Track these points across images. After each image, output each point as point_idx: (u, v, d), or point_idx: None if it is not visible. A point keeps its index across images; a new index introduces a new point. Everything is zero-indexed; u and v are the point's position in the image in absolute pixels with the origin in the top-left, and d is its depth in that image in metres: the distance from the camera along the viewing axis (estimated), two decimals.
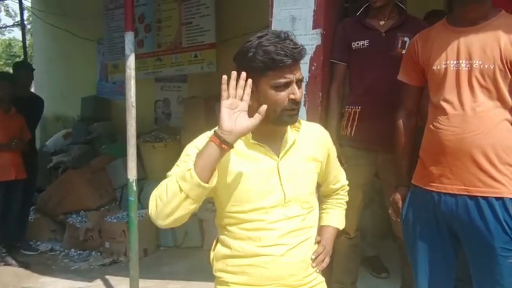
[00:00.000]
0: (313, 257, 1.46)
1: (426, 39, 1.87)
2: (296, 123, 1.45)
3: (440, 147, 1.76)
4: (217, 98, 5.23)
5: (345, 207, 1.70)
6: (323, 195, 1.68)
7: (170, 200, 1.25)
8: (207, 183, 1.24)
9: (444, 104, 1.76)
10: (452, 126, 1.73)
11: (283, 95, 1.33)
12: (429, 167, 1.81)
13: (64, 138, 6.60)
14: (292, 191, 1.41)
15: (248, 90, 1.26)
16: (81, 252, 4.48)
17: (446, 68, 1.77)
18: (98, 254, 4.40)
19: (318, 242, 1.51)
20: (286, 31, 1.37)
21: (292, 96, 1.33)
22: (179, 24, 5.24)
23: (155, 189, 1.32)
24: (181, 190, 1.23)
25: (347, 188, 1.70)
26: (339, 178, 1.65)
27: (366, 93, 2.44)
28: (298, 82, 1.35)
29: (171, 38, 5.36)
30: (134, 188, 2.86)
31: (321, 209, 1.64)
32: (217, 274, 1.47)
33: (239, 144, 1.38)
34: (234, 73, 1.25)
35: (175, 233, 4.49)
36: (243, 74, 1.25)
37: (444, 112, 1.76)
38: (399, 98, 2.15)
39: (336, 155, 1.60)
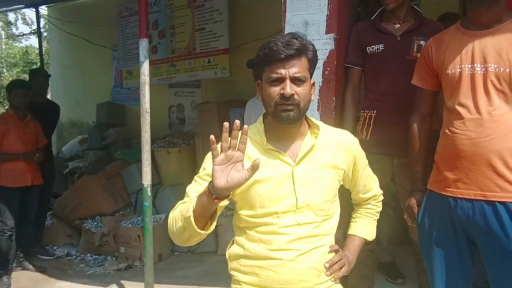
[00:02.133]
0: (327, 265, 1.45)
1: (440, 43, 1.86)
2: (315, 129, 1.46)
3: (455, 152, 1.74)
4: (230, 103, 5.23)
5: (377, 217, 1.67)
6: (354, 203, 1.68)
7: (180, 233, 1.33)
8: (206, 229, 1.30)
9: (459, 108, 1.74)
10: (467, 131, 1.71)
11: (275, 90, 1.37)
12: (445, 171, 1.79)
13: (79, 144, 6.68)
14: (305, 198, 1.40)
15: (244, 138, 1.22)
16: (96, 257, 4.53)
17: (460, 72, 1.75)
18: (114, 258, 4.44)
19: (334, 251, 1.49)
20: (299, 32, 1.40)
21: (281, 91, 1.35)
22: (192, 30, 5.29)
23: (172, 210, 1.40)
24: (185, 229, 1.30)
25: (381, 198, 1.67)
26: (370, 187, 1.62)
27: (382, 97, 2.42)
28: (295, 79, 1.36)
29: (184, 43, 5.40)
30: (149, 193, 2.88)
31: (351, 217, 1.65)
32: (231, 273, 1.51)
33: (254, 150, 1.41)
34: (226, 124, 1.20)
35: None
36: (237, 122, 1.21)
37: (459, 116, 1.74)
38: (412, 101, 2.14)
39: (365, 163, 1.58)
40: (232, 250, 1.50)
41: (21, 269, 4.19)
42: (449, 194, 1.78)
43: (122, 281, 3.81)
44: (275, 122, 1.42)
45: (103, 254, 4.53)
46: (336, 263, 1.47)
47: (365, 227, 1.64)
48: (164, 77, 5.60)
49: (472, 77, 1.72)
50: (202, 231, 1.28)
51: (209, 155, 1.45)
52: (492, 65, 1.68)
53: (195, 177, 1.45)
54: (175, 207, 1.40)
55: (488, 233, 1.71)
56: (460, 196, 1.75)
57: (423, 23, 2.37)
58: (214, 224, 1.32)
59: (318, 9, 2.47)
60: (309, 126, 1.49)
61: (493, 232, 1.69)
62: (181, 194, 4.97)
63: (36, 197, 4.14)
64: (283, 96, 1.35)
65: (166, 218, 4.38)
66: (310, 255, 1.41)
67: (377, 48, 2.40)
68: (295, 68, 1.36)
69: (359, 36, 2.45)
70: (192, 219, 1.25)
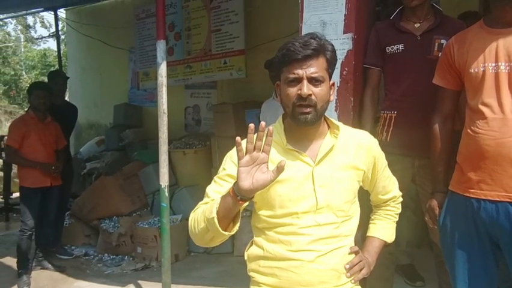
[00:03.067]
0: (348, 266, 1.44)
1: (462, 41, 1.82)
2: (335, 130, 1.45)
3: (478, 152, 1.70)
4: (246, 104, 5.22)
5: (396, 219, 1.65)
6: (373, 204, 1.66)
7: (202, 234, 1.32)
8: (229, 230, 1.30)
9: (482, 108, 1.71)
10: (491, 131, 1.67)
11: (292, 90, 1.37)
12: (468, 172, 1.75)
13: (97, 145, 6.75)
14: (325, 198, 1.40)
15: (269, 140, 1.22)
16: (114, 257, 4.56)
17: (484, 71, 1.71)
18: (131, 259, 4.47)
19: (354, 252, 1.48)
20: (318, 33, 1.40)
21: (299, 92, 1.35)
22: (208, 32, 5.30)
23: (193, 211, 1.39)
24: (208, 230, 1.30)
25: (400, 199, 1.66)
26: (390, 189, 1.61)
27: (402, 97, 2.37)
28: (312, 79, 1.35)
29: (201, 45, 5.42)
30: (166, 194, 2.89)
31: (370, 219, 1.63)
32: (250, 274, 1.50)
33: (274, 151, 1.39)
34: (251, 125, 1.21)
35: None
36: (262, 124, 1.22)
37: (482, 116, 1.70)
38: (433, 101, 2.10)
39: (385, 164, 1.57)
40: (251, 251, 1.49)
41: (41, 268, 4.25)
42: (472, 196, 1.74)
43: (139, 281, 3.84)
44: (293, 123, 1.42)
45: (120, 254, 4.56)
46: (356, 264, 1.46)
47: (384, 228, 1.63)
48: (180, 79, 5.63)
49: (496, 75, 1.68)
50: (226, 233, 1.28)
51: (229, 155, 1.45)
52: None
53: (215, 177, 1.45)
54: (196, 208, 1.39)
55: None
56: (484, 197, 1.71)
57: (444, 21, 2.31)
58: (238, 225, 1.31)
59: (335, 8, 2.45)
60: (329, 127, 1.48)
61: None
62: (197, 195, 4.99)
63: (56, 197, 4.19)
64: (300, 97, 1.35)
65: (183, 219, 4.47)
66: (330, 256, 1.40)
67: (397, 48, 2.36)
68: (313, 68, 1.35)
69: (378, 36, 2.41)
70: (216, 220, 1.25)
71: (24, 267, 3.95)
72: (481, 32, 1.77)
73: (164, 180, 2.84)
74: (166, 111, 2.81)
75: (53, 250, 4.45)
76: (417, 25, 2.34)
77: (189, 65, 5.54)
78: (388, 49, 2.38)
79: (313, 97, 1.35)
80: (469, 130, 1.76)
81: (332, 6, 2.42)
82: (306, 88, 1.34)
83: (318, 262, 1.38)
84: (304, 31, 2.50)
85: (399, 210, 1.65)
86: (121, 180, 5.17)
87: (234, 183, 1.24)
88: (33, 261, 4.13)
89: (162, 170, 2.83)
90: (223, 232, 1.27)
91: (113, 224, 4.81)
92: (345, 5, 2.35)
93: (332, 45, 1.42)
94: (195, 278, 3.86)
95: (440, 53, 2.16)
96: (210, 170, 5.18)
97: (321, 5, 2.45)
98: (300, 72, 1.35)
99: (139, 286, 3.78)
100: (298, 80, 1.36)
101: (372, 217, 1.65)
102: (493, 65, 1.70)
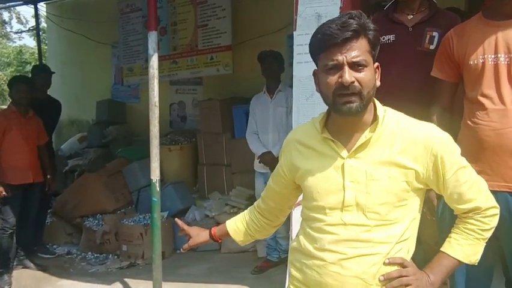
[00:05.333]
0: (382, 278, 1.24)
1: (461, 34, 1.84)
2: (382, 119, 1.28)
3: (478, 143, 1.72)
4: (233, 100, 5.17)
5: (482, 236, 1.31)
6: (454, 213, 1.38)
7: None
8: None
9: (482, 99, 1.72)
10: (491, 122, 1.69)
11: (332, 78, 1.21)
12: None
13: (79, 141, 6.62)
14: (354, 196, 1.24)
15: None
16: (98, 255, 4.48)
17: (483, 63, 1.73)
18: (115, 257, 4.39)
19: (396, 264, 1.25)
20: (357, 11, 1.24)
21: (339, 80, 1.20)
22: (195, 27, 5.25)
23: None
24: None
25: (492, 212, 1.31)
26: (470, 197, 1.29)
27: (390, 89, 2.31)
28: (354, 64, 1.20)
29: (187, 40, 5.36)
30: (158, 188, 2.83)
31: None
32: (288, 266, 1.45)
33: (310, 139, 1.33)
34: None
35: None
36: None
37: (482, 107, 1.72)
38: (421, 95, 2.09)
39: (460, 166, 1.28)
40: (293, 243, 1.43)
41: (22, 268, 4.14)
42: None
43: (126, 279, 3.77)
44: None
45: (104, 253, 4.48)
46: (395, 278, 1.24)
47: (461, 245, 1.30)
48: (165, 74, 5.55)
49: (496, 67, 1.70)
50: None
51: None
52: None
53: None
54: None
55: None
56: None
57: (438, 14, 2.28)
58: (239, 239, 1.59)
59: (331, 1, 2.45)
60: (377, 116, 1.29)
61: None
62: (183, 192, 4.96)
63: (38, 194, 4.09)
64: (341, 85, 1.20)
65: (169, 216, 4.40)
66: (355, 262, 1.24)
67: (388, 39, 2.32)
68: (354, 52, 1.20)
69: None
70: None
71: (5, 266, 3.84)
72: (480, 24, 1.79)
73: (155, 174, 2.78)
74: (157, 103, 2.76)
75: (34, 249, 4.35)
76: (410, 17, 2.31)
77: (175, 61, 5.48)
78: (380, 40, 2.34)
79: (356, 84, 1.20)
80: (468, 121, 1.77)
81: None
82: (348, 75, 1.19)
83: (340, 266, 1.25)
84: (299, 24, 2.49)
85: (490, 226, 1.32)
86: (105, 177, 5.08)
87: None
88: (15, 260, 4.02)
89: (153, 164, 2.77)
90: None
91: (97, 221, 4.72)
92: None
93: (374, 25, 1.25)
94: (183, 275, 3.82)
95: (430, 46, 2.15)
96: (196, 166, 5.16)
97: None
98: (340, 57, 1.19)
99: (125, 284, 3.72)
100: (338, 67, 1.20)
101: (452, 230, 1.36)
102: (493, 56, 1.72)
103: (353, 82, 1.20)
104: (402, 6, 2.34)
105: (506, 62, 1.69)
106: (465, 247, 1.31)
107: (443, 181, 1.28)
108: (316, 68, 1.30)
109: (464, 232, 1.31)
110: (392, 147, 1.25)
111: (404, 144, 1.25)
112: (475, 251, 1.32)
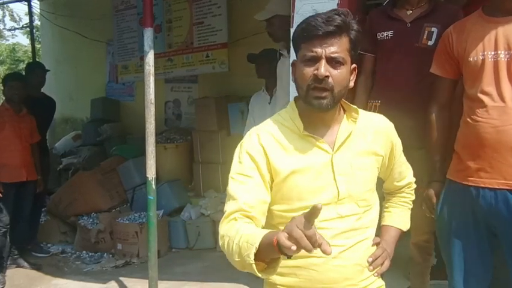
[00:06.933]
0: (370, 259, 1.34)
1: (461, 30, 1.82)
2: (353, 113, 1.33)
3: (478, 141, 1.71)
4: (228, 98, 5.12)
5: (411, 206, 1.54)
6: (386, 192, 1.56)
7: (237, 264, 1.13)
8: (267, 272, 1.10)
9: (482, 96, 1.71)
10: (491, 119, 1.68)
11: (308, 70, 1.23)
12: (467, 161, 1.76)
13: (73, 140, 6.57)
14: (346, 188, 1.29)
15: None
16: (92, 254, 4.45)
17: (483, 60, 1.72)
18: (110, 256, 4.36)
19: (377, 244, 1.38)
20: (345, 9, 1.27)
21: (315, 72, 1.21)
22: (190, 24, 5.21)
23: (223, 225, 1.20)
24: (244, 267, 1.10)
25: (414, 185, 1.55)
26: (405, 175, 1.50)
27: (386, 86, 2.30)
28: (331, 60, 1.21)
29: (182, 38, 5.33)
30: (154, 186, 2.80)
31: (383, 207, 1.52)
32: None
33: (288, 138, 1.30)
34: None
35: (188, 235, 4.45)
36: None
37: (482, 104, 1.71)
38: (419, 91, 2.08)
39: (401, 149, 1.46)
40: None
41: (16, 267, 4.10)
42: (471, 184, 1.75)
43: (121, 278, 3.74)
44: (307, 106, 1.30)
45: (99, 251, 4.45)
46: (379, 256, 1.36)
47: (400, 216, 1.51)
48: (161, 72, 5.50)
49: (495, 64, 1.69)
50: (263, 276, 1.09)
51: (242, 148, 1.30)
52: None
53: (234, 175, 1.28)
54: (225, 219, 1.21)
55: (511, 222, 1.68)
56: (483, 185, 1.72)
57: (437, 8, 2.24)
58: (277, 269, 1.09)
59: None
60: (345, 111, 1.35)
61: None
62: (178, 190, 4.87)
63: (31, 193, 4.07)
64: (316, 78, 1.21)
65: (164, 215, 4.38)
66: (353, 251, 1.30)
67: (386, 35, 2.29)
68: (333, 47, 1.21)
69: (371, 23, 2.36)
70: (255, 267, 1.06)
71: None
72: (480, 20, 1.78)
73: (151, 172, 2.75)
74: (153, 101, 2.73)
75: (28, 248, 4.32)
76: (409, 12, 2.27)
77: (170, 58, 5.44)
78: (379, 35, 2.31)
79: (330, 80, 1.22)
80: (468, 119, 1.76)
81: None
82: (323, 68, 1.20)
83: (342, 258, 1.28)
84: (296, 20, 2.47)
85: (414, 197, 1.55)
86: (100, 175, 5.03)
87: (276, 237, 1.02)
88: (8, 259, 3.98)
89: (149, 161, 2.74)
90: (260, 276, 1.08)
91: (91, 220, 4.68)
92: None
93: (358, 26, 1.27)
94: (179, 273, 3.79)
95: (429, 42, 2.13)
96: (192, 164, 5.14)
97: None
98: (319, 50, 1.21)
99: (121, 283, 3.68)
100: (316, 59, 1.22)
101: (386, 205, 1.53)
102: (492, 53, 1.70)
103: (328, 77, 1.22)
104: (402, 1, 2.30)
105: (506, 59, 1.67)
106: (403, 218, 1.53)
107: (393, 163, 1.44)
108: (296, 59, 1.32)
109: (400, 205, 1.53)
110: (366, 138, 1.34)
111: (372, 134, 1.36)
112: (408, 219, 1.54)
